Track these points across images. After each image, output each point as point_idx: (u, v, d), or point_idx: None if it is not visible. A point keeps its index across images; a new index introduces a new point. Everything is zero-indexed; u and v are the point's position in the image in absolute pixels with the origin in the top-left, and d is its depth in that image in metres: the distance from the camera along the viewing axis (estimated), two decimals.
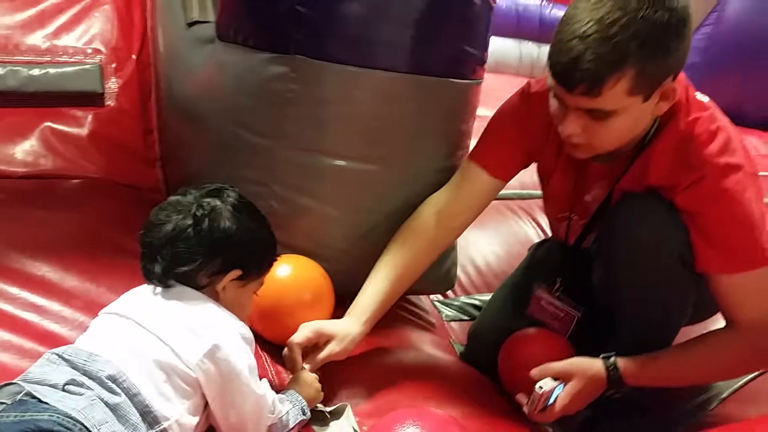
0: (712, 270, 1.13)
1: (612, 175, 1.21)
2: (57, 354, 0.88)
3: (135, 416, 0.85)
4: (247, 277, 1.00)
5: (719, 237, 1.11)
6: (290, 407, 1.02)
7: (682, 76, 1.15)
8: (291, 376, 1.11)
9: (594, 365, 1.16)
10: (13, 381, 0.84)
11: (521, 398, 1.18)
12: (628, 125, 1.10)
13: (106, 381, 0.85)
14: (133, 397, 0.85)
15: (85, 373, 0.86)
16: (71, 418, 0.79)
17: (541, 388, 1.13)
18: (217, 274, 0.97)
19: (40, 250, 1.28)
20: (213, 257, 0.96)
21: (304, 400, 1.05)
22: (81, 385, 0.84)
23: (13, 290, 1.19)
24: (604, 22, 1.00)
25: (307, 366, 1.12)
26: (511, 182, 1.34)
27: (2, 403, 0.80)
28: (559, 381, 1.15)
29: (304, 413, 1.04)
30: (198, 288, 0.97)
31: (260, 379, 0.98)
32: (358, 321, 1.19)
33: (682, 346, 1.19)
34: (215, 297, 0.98)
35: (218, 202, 0.98)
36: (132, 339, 0.91)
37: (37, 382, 0.84)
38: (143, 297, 0.97)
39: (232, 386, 0.92)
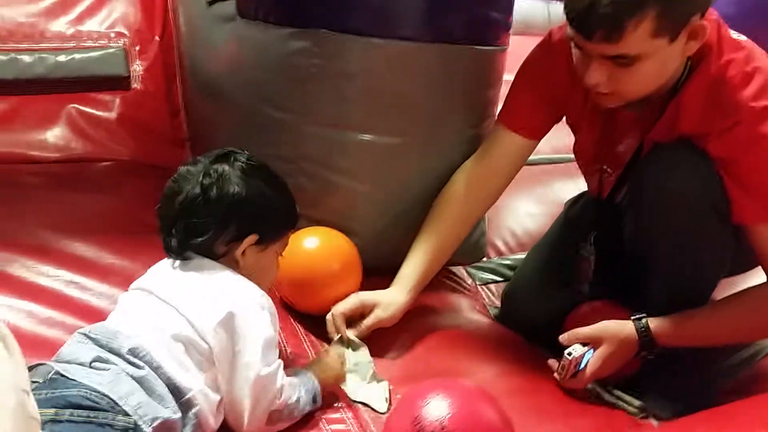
0: (748, 220, 1.09)
1: (643, 124, 1.17)
2: (84, 333, 0.91)
3: (161, 387, 0.86)
4: (265, 240, 0.98)
5: (756, 185, 1.07)
6: (302, 394, 0.97)
7: (713, 14, 1.09)
8: (318, 354, 1.10)
9: (624, 328, 1.13)
10: (45, 362, 0.87)
11: (552, 363, 1.17)
12: (655, 69, 1.04)
13: (128, 356, 0.87)
14: (156, 369, 0.87)
15: (110, 350, 0.87)
16: (98, 392, 0.81)
17: (570, 354, 1.12)
18: (234, 241, 0.96)
19: (76, 231, 1.32)
20: (226, 225, 0.95)
21: (318, 387, 1.01)
22: (106, 361, 0.86)
23: (53, 269, 1.22)
24: None
25: (352, 333, 1.12)
26: (542, 147, 1.32)
27: (35, 382, 0.83)
28: (588, 346, 1.13)
29: (315, 401, 1.00)
30: (216, 257, 0.96)
31: (278, 358, 0.95)
32: (403, 290, 1.20)
33: (716, 305, 1.15)
34: (235, 265, 0.97)
35: (226, 167, 0.96)
36: (152, 313, 0.92)
37: (66, 362, 0.86)
38: (165, 270, 0.98)
39: (239, 355, 0.90)
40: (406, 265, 1.24)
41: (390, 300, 1.18)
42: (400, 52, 1.24)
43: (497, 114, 1.32)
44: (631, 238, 1.20)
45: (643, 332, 1.12)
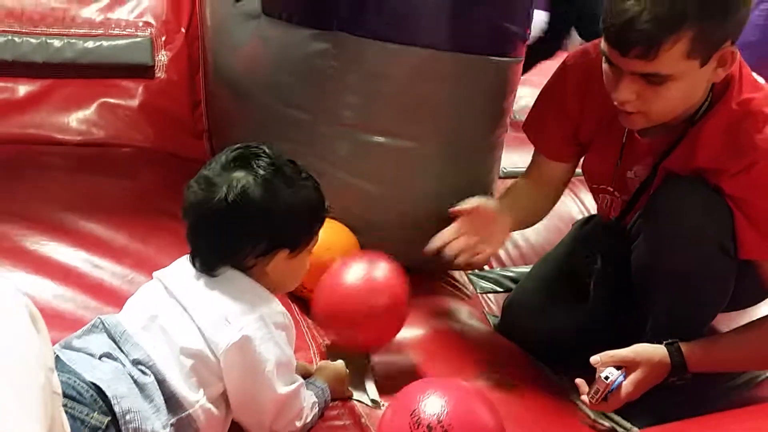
0: (758, 256, 1.11)
1: (657, 153, 1.18)
2: (102, 320, 0.91)
3: (159, 398, 0.85)
4: (297, 249, 0.95)
5: None
6: (316, 410, 0.98)
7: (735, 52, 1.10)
8: (318, 365, 1.08)
9: (657, 352, 1.12)
10: (55, 350, 0.86)
11: (581, 384, 1.13)
12: (684, 92, 1.05)
13: (134, 364, 0.86)
14: (160, 382, 0.86)
15: (120, 349, 0.87)
16: (93, 385, 0.80)
17: (607, 378, 1.09)
18: (264, 255, 0.92)
19: (94, 212, 1.35)
20: (257, 242, 0.91)
21: (329, 398, 1.01)
22: (116, 359, 0.86)
23: (69, 247, 1.26)
24: None
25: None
26: None
27: None
28: (623, 369, 1.11)
29: (322, 415, 1.00)
30: (245, 269, 0.93)
31: (295, 380, 0.94)
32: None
33: (742, 331, 1.16)
34: (263, 275, 0.94)
35: (249, 179, 0.90)
36: (168, 321, 0.89)
37: (78, 350, 0.87)
38: (189, 273, 0.94)
39: (253, 378, 0.89)
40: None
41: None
42: (418, 58, 1.27)
43: (532, 140, 1.37)
44: (638, 263, 1.21)
45: (677, 356, 1.11)
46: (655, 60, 1.00)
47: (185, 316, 0.90)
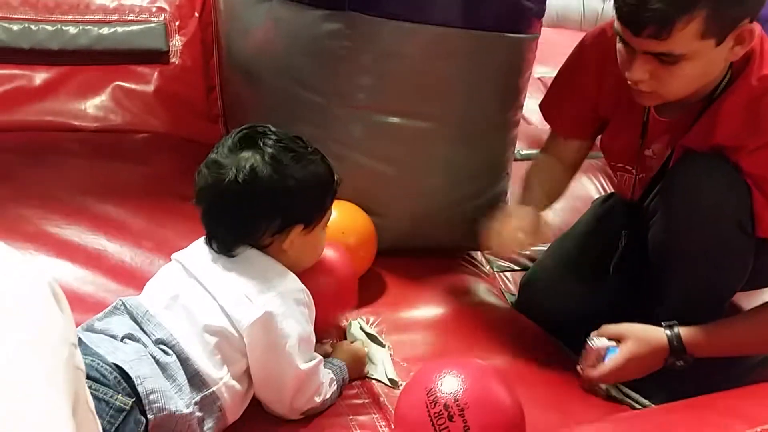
0: None
1: (676, 130, 1.17)
2: (123, 302, 0.92)
3: (182, 377, 0.86)
4: (312, 224, 0.96)
5: None
6: (335, 388, 0.99)
7: (756, 27, 1.07)
8: (336, 344, 1.09)
9: (654, 333, 1.12)
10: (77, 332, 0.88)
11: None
12: (698, 71, 1.04)
13: (157, 344, 0.87)
14: (184, 360, 0.87)
15: (142, 330, 0.88)
16: (116, 366, 0.81)
17: (592, 341, 1.13)
18: (280, 232, 0.94)
19: (112, 197, 1.37)
20: (271, 219, 0.93)
21: (348, 377, 1.02)
22: (138, 340, 0.87)
23: (88, 231, 1.27)
24: None
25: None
26: None
27: None
28: (614, 343, 1.13)
29: (340, 393, 1.02)
30: (262, 247, 0.94)
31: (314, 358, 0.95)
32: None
33: (747, 315, 1.15)
34: (281, 252, 0.95)
35: (257, 158, 0.91)
36: (190, 300, 0.90)
37: (100, 332, 0.88)
38: (207, 254, 0.95)
39: (275, 355, 0.90)
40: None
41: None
42: (431, 37, 1.26)
43: (548, 120, 1.37)
44: (655, 241, 1.20)
45: (676, 339, 1.10)
46: (668, 40, 0.99)
47: (207, 296, 0.91)
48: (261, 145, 0.93)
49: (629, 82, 1.08)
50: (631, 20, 1.00)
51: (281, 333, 0.90)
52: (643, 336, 1.12)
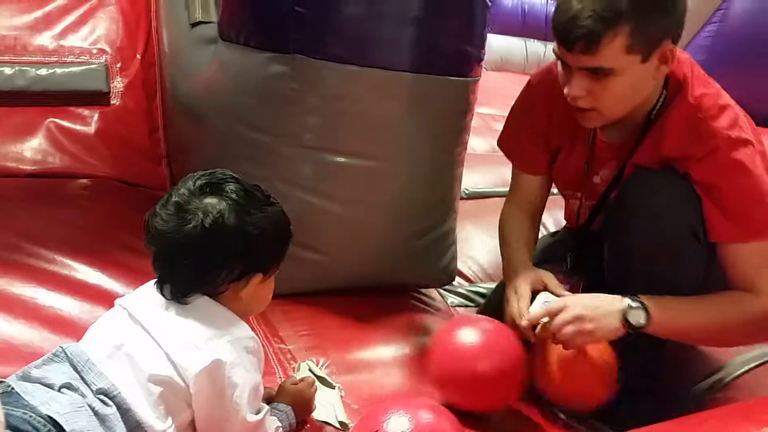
0: (725, 238, 1.15)
1: (621, 154, 1.24)
2: (63, 349, 0.88)
3: (121, 429, 0.83)
4: (269, 273, 0.95)
5: (734, 206, 1.14)
6: None
7: (685, 54, 1.20)
8: (279, 386, 1.06)
9: (604, 296, 1.14)
10: (5, 381, 0.84)
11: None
12: (628, 87, 1.13)
13: (98, 394, 0.84)
14: (125, 412, 0.84)
15: (83, 379, 0.85)
16: (49, 419, 0.78)
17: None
18: (238, 280, 0.92)
19: (49, 244, 1.32)
20: (232, 267, 0.91)
21: (294, 421, 0.99)
22: (76, 390, 0.84)
23: (23, 280, 1.23)
24: None
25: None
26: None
27: None
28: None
29: None
30: (216, 295, 0.92)
31: (262, 407, 0.93)
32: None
33: (706, 296, 1.17)
34: (234, 300, 0.93)
35: (223, 205, 0.90)
36: (134, 348, 0.88)
37: (36, 380, 0.84)
38: (155, 299, 0.92)
39: (222, 404, 0.88)
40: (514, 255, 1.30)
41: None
42: (377, 79, 1.28)
43: (509, 157, 1.40)
44: (611, 257, 1.24)
45: (633, 299, 1.12)
46: (597, 54, 1.09)
47: (152, 343, 0.88)
48: (226, 191, 0.92)
49: (569, 100, 1.16)
50: (564, 37, 1.11)
51: (229, 382, 0.88)
52: (588, 298, 1.15)
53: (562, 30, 1.10)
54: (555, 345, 1.13)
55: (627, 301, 1.12)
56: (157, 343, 0.88)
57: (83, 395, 0.83)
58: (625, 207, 1.19)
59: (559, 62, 1.16)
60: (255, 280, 0.94)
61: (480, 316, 1.18)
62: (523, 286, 1.19)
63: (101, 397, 0.84)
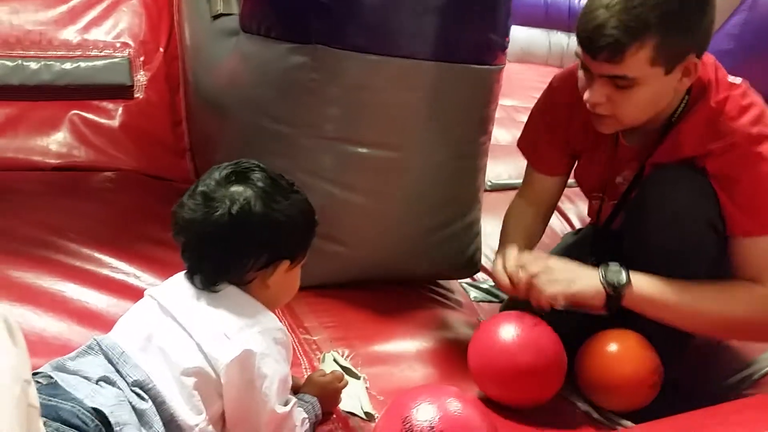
0: (737, 232, 1.14)
1: (642, 156, 1.24)
2: (97, 342, 0.89)
3: (158, 424, 0.84)
4: (296, 260, 0.96)
5: (747, 200, 1.13)
6: (307, 426, 0.96)
7: (711, 58, 1.18)
8: (307, 377, 1.06)
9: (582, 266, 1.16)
10: (47, 372, 0.85)
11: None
12: (650, 97, 1.13)
13: (133, 387, 0.85)
14: (159, 405, 0.84)
15: (118, 372, 0.86)
16: (96, 412, 0.79)
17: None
18: (265, 268, 0.92)
19: (75, 237, 1.33)
20: (259, 255, 0.92)
21: (320, 413, 1.00)
22: (113, 383, 0.84)
23: (50, 273, 1.23)
24: None
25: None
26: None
27: (38, 382, 0.82)
28: None
29: (314, 430, 0.99)
30: (245, 283, 0.93)
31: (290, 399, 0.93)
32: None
33: (699, 281, 1.15)
34: (264, 288, 0.94)
35: (249, 192, 0.90)
36: (165, 340, 0.88)
37: (74, 373, 0.85)
38: (185, 290, 0.93)
39: (251, 395, 0.88)
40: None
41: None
42: (398, 69, 1.27)
43: (526, 157, 1.40)
44: (631, 254, 1.22)
45: (614, 263, 1.12)
46: (621, 63, 1.09)
47: (183, 334, 0.88)
48: (252, 179, 0.92)
49: (588, 106, 1.15)
50: (589, 45, 1.10)
51: (259, 373, 0.88)
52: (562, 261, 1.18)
53: (588, 38, 1.09)
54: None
55: (607, 264, 1.13)
56: (187, 333, 0.88)
57: (120, 389, 0.84)
58: (644, 204, 1.19)
59: (580, 67, 1.16)
60: (282, 268, 0.94)
61: (521, 312, 1.17)
62: (510, 248, 1.20)
63: (137, 390, 0.84)
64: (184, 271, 0.94)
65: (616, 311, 1.14)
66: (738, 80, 1.19)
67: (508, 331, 1.11)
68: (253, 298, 0.93)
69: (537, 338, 1.12)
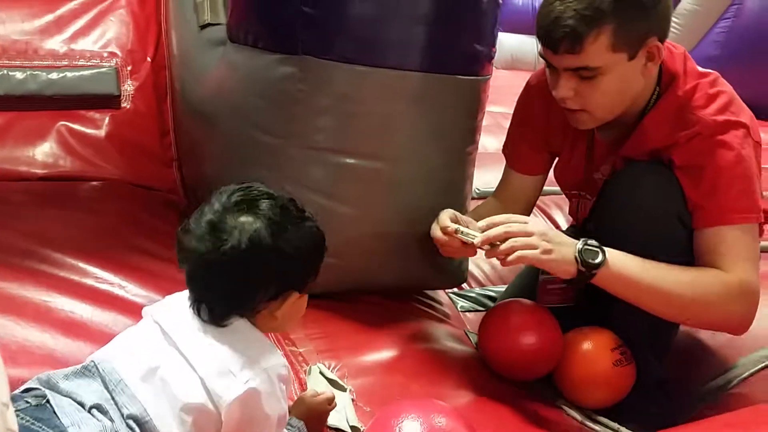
0: (702, 224, 1.14)
1: (617, 148, 1.25)
2: (96, 364, 0.87)
3: None
4: (304, 289, 0.93)
5: (712, 187, 1.13)
6: None
7: (681, 49, 1.20)
8: (299, 397, 1.06)
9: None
10: (42, 388, 0.83)
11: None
12: (616, 85, 1.13)
13: (127, 419, 0.83)
14: None
15: (114, 400, 0.84)
16: None
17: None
18: (274, 299, 0.90)
19: (61, 248, 1.32)
20: (269, 287, 0.89)
21: (305, 430, 0.98)
22: (106, 413, 0.82)
23: (35, 284, 1.22)
24: None
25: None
26: None
27: (27, 401, 0.81)
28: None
29: None
30: (252, 315, 0.90)
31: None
32: None
33: (671, 265, 1.14)
34: (270, 319, 0.91)
35: (258, 224, 0.87)
36: (170, 373, 0.86)
37: (67, 394, 0.83)
38: (190, 320, 0.89)
39: (254, 429, 0.87)
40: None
41: None
42: (384, 79, 1.27)
43: (506, 158, 1.42)
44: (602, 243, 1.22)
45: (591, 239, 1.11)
46: (582, 53, 1.10)
47: (188, 368, 0.86)
48: (261, 208, 0.89)
49: (558, 102, 1.17)
50: (548, 39, 1.12)
51: (261, 413, 0.86)
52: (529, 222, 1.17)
53: (546, 32, 1.11)
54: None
55: (585, 241, 1.11)
56: (192, 367, 0.86)
57: (112, 419, 0.82)
58: (610, 200, 1.21)
59: (546, 66, 1.17)
60: (291, 299, 0.91)
61: (526, 300, 1.29)
62: (442, 213, 1.22)
63: (130, 422, 0.83)
64: (187, 294, 0.91)
65: (584, 286, 1.15)
66: (709, 71, 1.20)
67: (517, 315, 1.28)
68: (260, 331, 0.91)
69: (542, 322, 1.25)
